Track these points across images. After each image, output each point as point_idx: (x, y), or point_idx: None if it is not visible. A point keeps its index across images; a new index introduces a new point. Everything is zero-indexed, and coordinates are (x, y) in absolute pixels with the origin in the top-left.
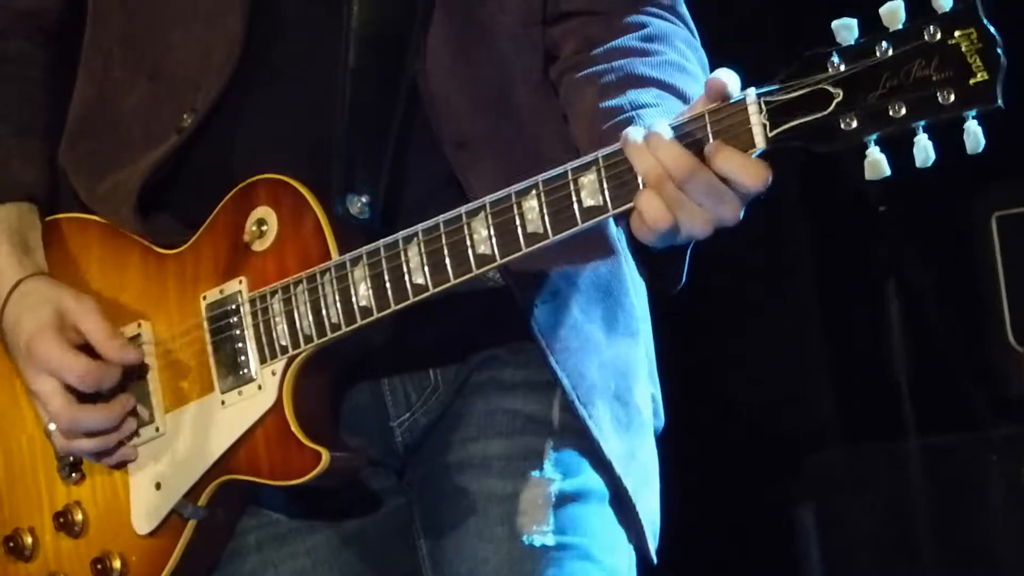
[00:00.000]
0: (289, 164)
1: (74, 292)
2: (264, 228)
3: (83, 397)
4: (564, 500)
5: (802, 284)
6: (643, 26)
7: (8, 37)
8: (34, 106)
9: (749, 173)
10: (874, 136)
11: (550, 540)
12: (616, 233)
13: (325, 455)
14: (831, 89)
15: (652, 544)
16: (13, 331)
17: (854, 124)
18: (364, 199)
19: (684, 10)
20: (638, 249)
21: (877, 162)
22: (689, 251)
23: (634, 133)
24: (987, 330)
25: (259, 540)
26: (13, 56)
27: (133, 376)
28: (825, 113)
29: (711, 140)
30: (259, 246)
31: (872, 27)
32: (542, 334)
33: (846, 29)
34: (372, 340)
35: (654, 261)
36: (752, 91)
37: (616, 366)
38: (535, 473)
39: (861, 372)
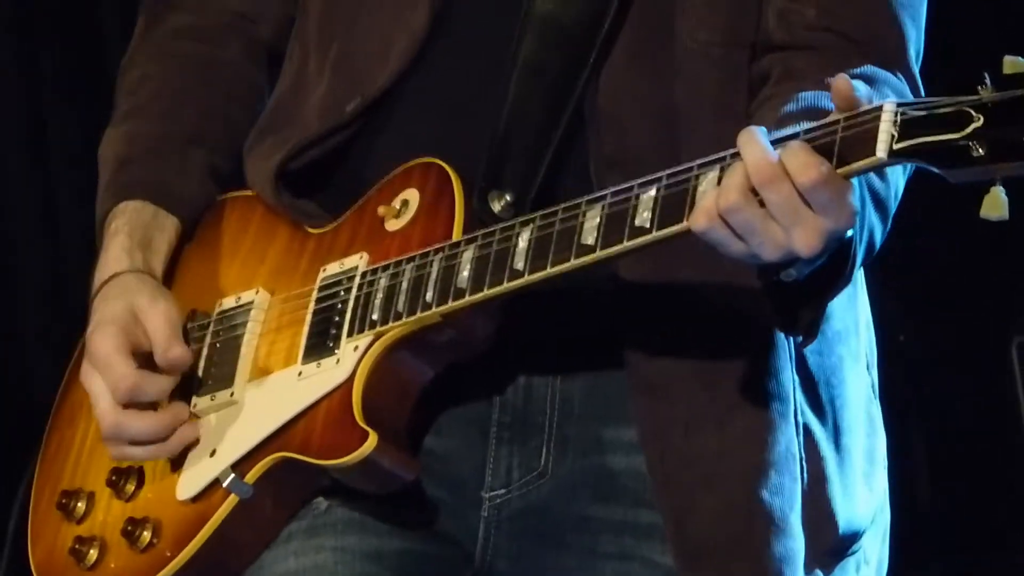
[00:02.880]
0: (447, 156)
1: (154, 291)
2: (404, 209)
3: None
4: None
5: None
6: (854, 67)
7: (225, 43)
8: (219, 117)
9: (808, 173)
10: (1000, 170)
11: None
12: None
13: (373, 437)
14: (972, 112)
15: None
16: (91, 323)
17: (981, 152)
18: (509, 197)
19: (915, 70)
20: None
21: (996, 201)
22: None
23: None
24: None
25: (291, 531)
26: (222, 63)
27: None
28: (958, 136)
29: (836, 147)
30: (393, 225)
31: None
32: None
33: (1014, 64)
34: (471, 346)
35: (784, 297)
36: (893, 100)
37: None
38: None
39: None
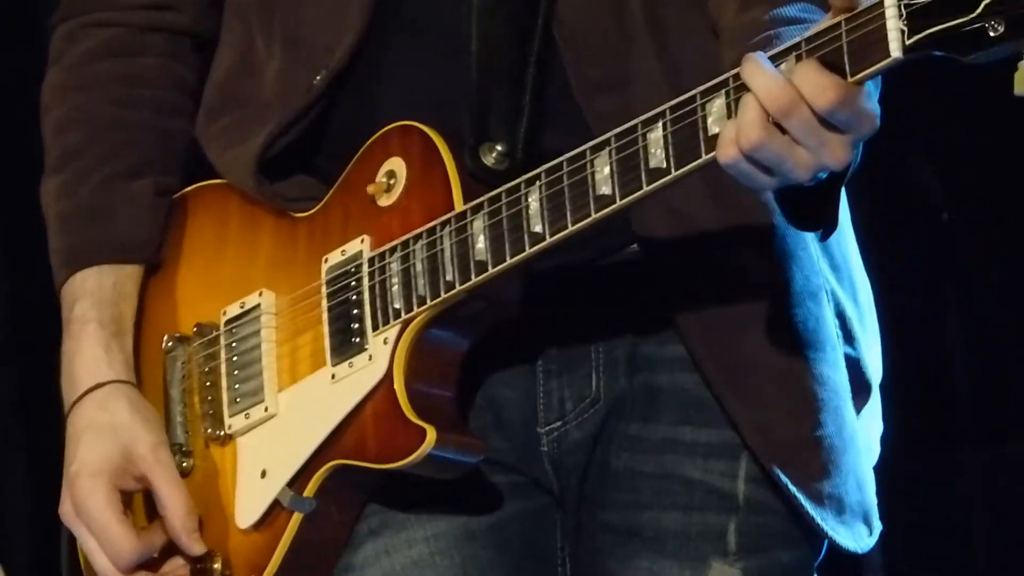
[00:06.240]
0: (426, 117)
1: (152, 438)
2: (393, 181)
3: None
4: None
5: None
6: None
7: (144, 48)
8: (155, 135)
9: (825, 95)
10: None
11: None
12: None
13: (431, 432)
14: None
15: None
16: (71, 441)
17: (1001, 30)
18: (500, 147)
19: None
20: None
21: None
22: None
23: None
24: None
25: (374, 527)
26: (145, 74)
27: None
28: (971, 16)
29: (846, 55)
30: (386, 200)
31: None
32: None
33: None
34: (504, 309)
35: (797, 200)
36: None
37: (786, 342)
38: (716, 560)
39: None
